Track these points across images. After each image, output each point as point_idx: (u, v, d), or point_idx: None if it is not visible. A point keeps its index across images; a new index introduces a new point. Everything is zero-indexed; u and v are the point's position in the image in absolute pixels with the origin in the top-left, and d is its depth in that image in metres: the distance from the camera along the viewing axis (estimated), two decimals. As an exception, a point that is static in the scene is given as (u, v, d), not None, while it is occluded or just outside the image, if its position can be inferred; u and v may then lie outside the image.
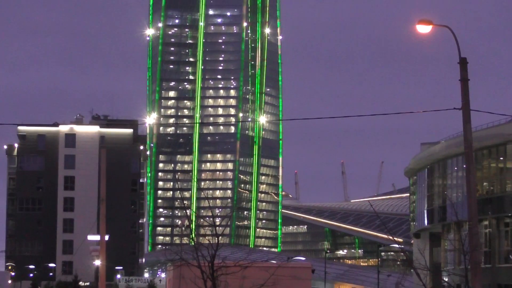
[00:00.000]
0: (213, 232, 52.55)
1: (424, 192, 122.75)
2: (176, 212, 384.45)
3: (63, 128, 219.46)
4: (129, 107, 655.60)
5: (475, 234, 40.07)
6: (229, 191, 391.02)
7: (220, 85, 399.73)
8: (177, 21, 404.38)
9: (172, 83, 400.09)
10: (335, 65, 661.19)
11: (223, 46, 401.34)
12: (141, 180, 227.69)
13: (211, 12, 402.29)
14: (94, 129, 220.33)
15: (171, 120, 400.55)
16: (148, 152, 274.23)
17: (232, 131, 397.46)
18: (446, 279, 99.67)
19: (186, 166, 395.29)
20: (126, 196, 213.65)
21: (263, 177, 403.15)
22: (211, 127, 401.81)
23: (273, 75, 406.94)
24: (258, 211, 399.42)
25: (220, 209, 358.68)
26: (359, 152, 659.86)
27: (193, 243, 51.74)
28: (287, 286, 67.51)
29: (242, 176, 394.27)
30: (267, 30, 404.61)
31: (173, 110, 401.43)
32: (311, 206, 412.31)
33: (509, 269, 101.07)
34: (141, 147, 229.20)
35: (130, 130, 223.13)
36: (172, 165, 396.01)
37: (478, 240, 40.31)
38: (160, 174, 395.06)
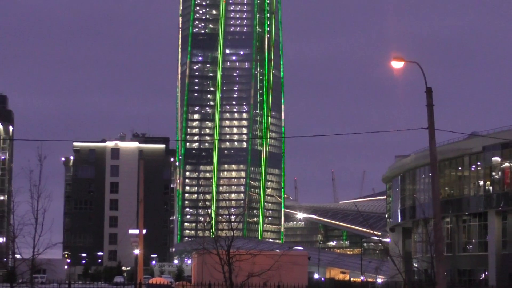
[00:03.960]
0: (229, 227, 52.39)
1: (398, 195, 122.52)
2: (200, 211, 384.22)
3: (109, 144, 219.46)
4: (162, 126, 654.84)
5: (438, 229, 39.95)
6: (242, 194, 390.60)
7: (235, 110, 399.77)
8: (200, 58, 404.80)
9: (196, 108, 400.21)
10: (327, 92, 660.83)
11: (237, 79, 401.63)
12: (171, 185, 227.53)
13: (227, 51, 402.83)
14: (134, 144, 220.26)
15: (196, 138, 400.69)
16: (177, 163, 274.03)
17: (245, 146, 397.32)
18: (416, 265, 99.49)
19: (207, 174, 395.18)
20: (159, 198, 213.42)
21: (269, 183, 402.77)
22: (227, 143, 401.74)
23: (277, 101, 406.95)
24: (265, 210, 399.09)
25: (235, 209, 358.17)
26: (346, 163, 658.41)
27: (213, 236, 51.62)
28: (288, 270, 67.16)
29: (252, 182, 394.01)
30: (272, 65, 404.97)
31: (197, 129, 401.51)
32: (307, 206, 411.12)
33: (467, 257, 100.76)
34: (172, 159, 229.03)
35: (163, 145, 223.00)
36: (197, 173, 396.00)
37: (441, 233, 40.19)
38: (187, 180, 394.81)
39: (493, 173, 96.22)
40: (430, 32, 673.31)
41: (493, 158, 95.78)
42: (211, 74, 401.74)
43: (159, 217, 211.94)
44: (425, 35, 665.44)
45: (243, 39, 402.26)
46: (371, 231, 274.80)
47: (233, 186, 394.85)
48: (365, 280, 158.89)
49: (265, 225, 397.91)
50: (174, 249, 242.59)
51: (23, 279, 57.53)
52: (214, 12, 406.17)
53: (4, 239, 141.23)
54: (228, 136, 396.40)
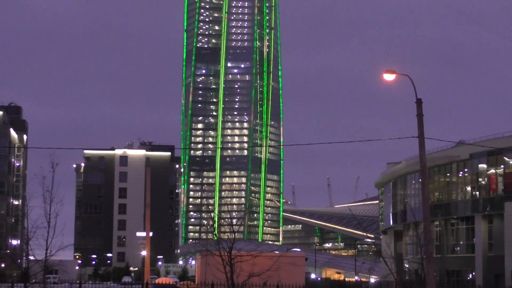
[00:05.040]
0: (230, 230, 52.37)
1: (390, 200, 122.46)
2: (203, 214, 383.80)
3: (118, 151, 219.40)
4: (168, 135, 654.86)
5: (428, 231, 39.87)
6: (243, 199, 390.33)
7: (236, 119, 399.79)
8: (203, 71, 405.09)
9: (200, 118, 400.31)
10: (323, 103, 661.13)
11: (238, 90, 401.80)
12: (176, 191, 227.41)
13: (229, 64, 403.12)
14: (141, 152, 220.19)
15: (199, 146, 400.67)
16: (182, 170, 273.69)
17: (245, 153, 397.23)
18: (407, 266, 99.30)
19: (210, 180, 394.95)
20: (165, 202, 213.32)
21: (268, 188, 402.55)
22: (229, 151, 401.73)
23: (276, 111, 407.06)
24: (264, 214, 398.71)
25: (236, 213, 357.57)
26: (340, 169, 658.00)
27: (216, 238, 51.58)
28: (287, 271, 67.02)
29: (252, 188, 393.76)
30: (271, 78, 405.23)
31: (200, 138, 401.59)
32: (304, 210, 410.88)
33: (455, 258, 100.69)
34: (177, 166, 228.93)
35: (168, 153, 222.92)
36: (200, 179, 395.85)
37: (431, 236, 40.10)
38: (191, 186, 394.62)
39: (480, 179, 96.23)
40: (422, 44, 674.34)
41: (480, 165, 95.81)
42: (214, 86, 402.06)
43: (165, 220, 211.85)
44: (416, 46, 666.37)
45: (244, 53, 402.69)
46: (365, 234, 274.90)
47: (234, 191, 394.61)
48: (359, 280, 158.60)
49: (264, 228, 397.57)
50: (179, 251, 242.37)
51: (36, 280, 57.49)
52: (216, 28, 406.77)
53: (19, 241, 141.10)
54: (230, 144, 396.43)
